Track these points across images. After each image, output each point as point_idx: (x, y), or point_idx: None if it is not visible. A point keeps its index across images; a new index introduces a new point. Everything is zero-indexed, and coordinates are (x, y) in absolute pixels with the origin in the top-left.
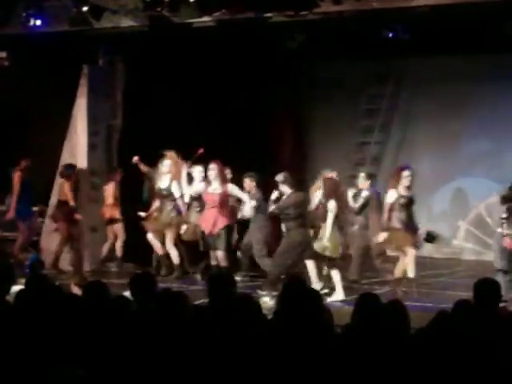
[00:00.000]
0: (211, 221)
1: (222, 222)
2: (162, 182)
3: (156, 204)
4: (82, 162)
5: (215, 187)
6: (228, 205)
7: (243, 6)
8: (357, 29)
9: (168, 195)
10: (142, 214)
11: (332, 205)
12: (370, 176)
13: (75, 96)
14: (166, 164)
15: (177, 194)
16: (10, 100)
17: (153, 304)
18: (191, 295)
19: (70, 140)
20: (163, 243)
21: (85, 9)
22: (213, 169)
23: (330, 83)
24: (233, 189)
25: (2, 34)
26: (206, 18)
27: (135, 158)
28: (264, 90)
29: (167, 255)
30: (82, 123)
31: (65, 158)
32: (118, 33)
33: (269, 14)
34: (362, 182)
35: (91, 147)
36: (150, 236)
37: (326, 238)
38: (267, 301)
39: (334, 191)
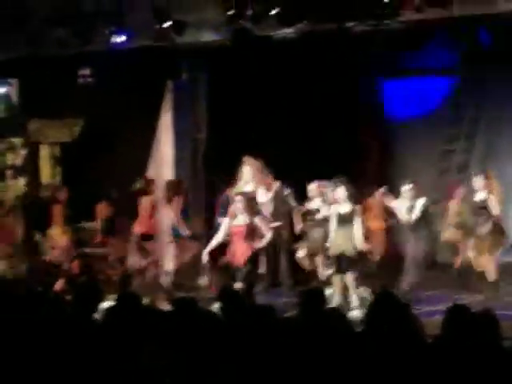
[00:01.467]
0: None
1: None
2: (246, 187)
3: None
4: (167, 176)
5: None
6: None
7: (324, 16)
8: (439, 37)
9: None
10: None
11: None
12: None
13: (159, 111)
14: (246, 171)
15: (263, 199)
16: (95, 116)
17: (241, 317)
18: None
19: (155, 155)
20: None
21: (167, 24)
22: (240, 201)
23: None
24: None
25: (85, 51)
26: (287, 30)
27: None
28: (348, 100)
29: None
30: (166, 138)
31: (150, 173)
32: (201, 47)
33: (350, 24)
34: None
35: (177, 161)
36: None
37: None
38: (356, 313)
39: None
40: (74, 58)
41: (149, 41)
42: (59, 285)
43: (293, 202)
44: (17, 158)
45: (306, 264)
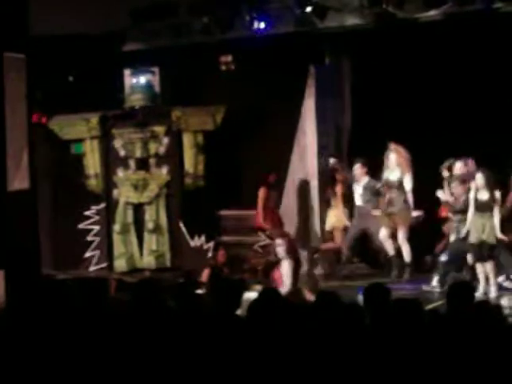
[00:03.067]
0: None
1: None
2: (392, 173)
3: (386, 197)
4: (311, 164)
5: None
6: None
7: None
8: None
9: (399, 187)
10: (377, 212)
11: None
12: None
13: (302, 97)
14: (392, 158)
15: (408, 187)
16: (238, 104)
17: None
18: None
19: (298, 142)
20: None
21: (309, 9)
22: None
23: None
24: None
25: (228, 38)
26: (432, 12)
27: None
28: (497, 85)
29: (399, 255)
30: (310, 124)
31: (294, 161)
32: (343, 31)
33: (498, 5)
34: None
35: (321, 148)
36: (384, 234)
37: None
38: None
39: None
40: (216, 45)
41: (290, 26)
42: (205, 274)
43: None
44: (160, 146)
45: None
